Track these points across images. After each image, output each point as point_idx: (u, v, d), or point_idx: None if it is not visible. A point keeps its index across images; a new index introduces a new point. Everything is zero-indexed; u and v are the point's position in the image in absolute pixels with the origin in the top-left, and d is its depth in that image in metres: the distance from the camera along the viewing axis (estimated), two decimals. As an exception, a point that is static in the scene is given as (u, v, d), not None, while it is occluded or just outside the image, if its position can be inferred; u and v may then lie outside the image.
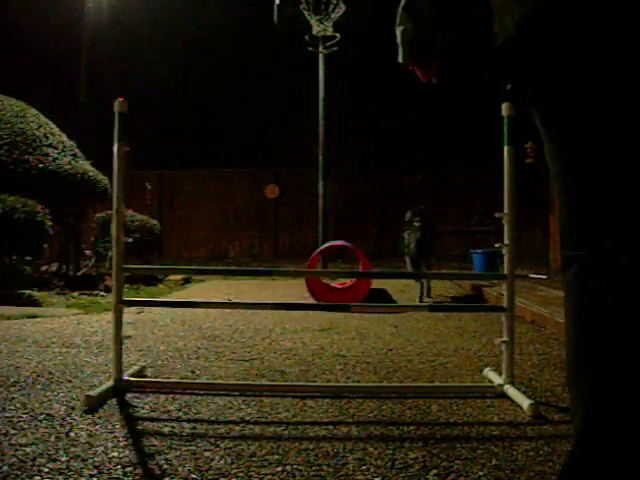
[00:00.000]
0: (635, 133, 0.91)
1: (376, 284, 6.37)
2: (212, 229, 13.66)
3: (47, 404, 1.97)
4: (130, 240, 2.25)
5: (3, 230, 4.99)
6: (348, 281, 5.42)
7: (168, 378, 2.37)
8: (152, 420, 1.84)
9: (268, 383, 2.32)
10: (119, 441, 1.65)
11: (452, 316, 4.06)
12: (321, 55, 8.11)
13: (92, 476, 1.42)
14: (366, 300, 4.72)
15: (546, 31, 0.96)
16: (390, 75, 14.54)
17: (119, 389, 2.12)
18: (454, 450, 1.61)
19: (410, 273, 5.16)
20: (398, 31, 1.31)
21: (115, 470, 1.45)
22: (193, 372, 2.48)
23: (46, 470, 1.45)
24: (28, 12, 15.07)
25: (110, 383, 2.12)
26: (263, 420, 1.86)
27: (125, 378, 2.17)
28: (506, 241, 2.17)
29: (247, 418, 1.87)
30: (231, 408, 1.97)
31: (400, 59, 1.32)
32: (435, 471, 1.47)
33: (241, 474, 1.45)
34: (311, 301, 4.69)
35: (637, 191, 0.91)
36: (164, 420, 1.85)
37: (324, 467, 1.50)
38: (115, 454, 1.55)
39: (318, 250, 5.47)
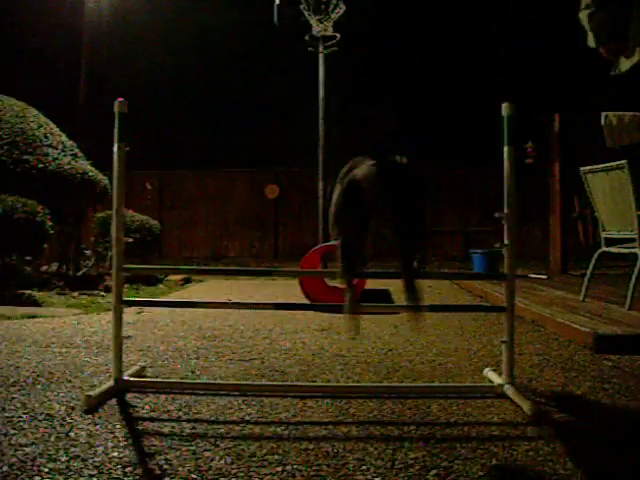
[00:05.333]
0: None
1: (378, 284, 6.36)
2: (212, 229, 13.66)
3: (47, 404, 1.97)
4: (130, 240, 2.25)
5: (3, 230, 4.99)
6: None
7: (168, 378, 2.37)
8: (152, 420, 1.84)
9: (268, 383, 2.32)
10: (119, 441, 1.65)
11: (452, 316, 4.06)
12: (321, 55, 8.11)
13: (92, 476, 1.42)
14: (360, 301, 4.68)
15: None
16: (390, 75, 14.54)
17: (119, 389, 2.12)
18: (454, 450, 1.61)
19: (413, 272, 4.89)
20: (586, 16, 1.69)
21: (115, 470, 1.46)
22: (193, 372, 2.48)
23: (46, 470, 1.45)
24: (28, 12, 15.07)
25: (110, 383, 2.12)
26: (263, 420, 1.86)
27: (125, 378, 2.17)
28: (506, 241, 2.17)
29: (247, 418, 1.87)
30: (231, 408, 1.97)
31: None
32: (435, 471, 1.47)
33: (241, 474, 1.45)
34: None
35: None
36: (164, 420, 1.85)
37: (324, 467, 1.50)
38: (115, 454, 1.55)
39: (314, 250, 5.31)
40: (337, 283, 5.51)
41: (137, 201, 12.24)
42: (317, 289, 4.91)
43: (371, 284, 6.47)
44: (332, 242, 6.74)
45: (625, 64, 1.91)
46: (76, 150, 6.95)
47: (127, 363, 2.40)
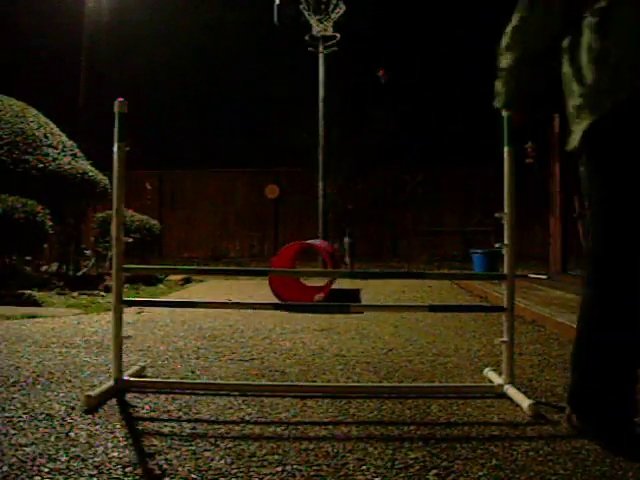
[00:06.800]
0: None
1: (353, 285, 6.36)
2: (212, 229, 13.66)
3: (47, 404, 1.97)
4: (130, 240, 2.25)
5: (3, 230, 4.99)
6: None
7: (168, 378, 2.37)
8: (152, 420, 1.84)
9: (268, 383, 2.32)
10: (119, 441, 1.65)
11: (452, 316, 4.06)
12: (321, 55, 8.11)
13: (92, 476, 1.42)
14: (329, 300, 4.79)
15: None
16: (390, 75, 14.52)
17: (119, 389, 2.12)
18: (454, 450, 1.61)
19: (407, 273, 5.11)
20: (499, 85, 1.91)
21: (115, 470, 1.46)
22: (193, 372, 2.48)
23: (46, 470, 1.45)
24: (28, 12, 15.07)
25: (110, 383, 2.12)
26: (263, 420, 1.86)
27: (125, 378, 2.17)
28: (506, 241, 2.17)
29: (247, 418, 1.87)
30: (231, 408, 1.97)
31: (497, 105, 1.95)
32: (435, 471, 1.47)
33: (241, 474, 1.45)
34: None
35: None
36: (164, 420, 1.85)
37: (324, 467, 1.50)
38: (115, 454, 1.55)
39: (285, 247, 5.19)
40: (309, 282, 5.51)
41: (137, 201, 12.26)
42: (287, 287, 4.93)
43: (348, 285, 6.47)
44: (311, 241, 6.77)
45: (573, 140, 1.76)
46: (76, 150, 6.95)
47: (127, 363, 2.40)
